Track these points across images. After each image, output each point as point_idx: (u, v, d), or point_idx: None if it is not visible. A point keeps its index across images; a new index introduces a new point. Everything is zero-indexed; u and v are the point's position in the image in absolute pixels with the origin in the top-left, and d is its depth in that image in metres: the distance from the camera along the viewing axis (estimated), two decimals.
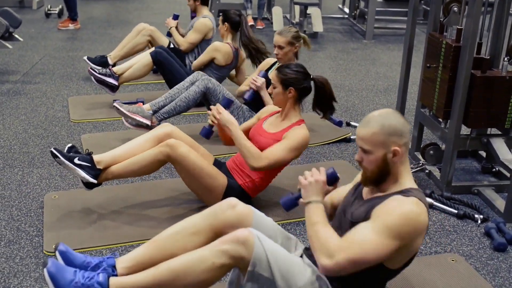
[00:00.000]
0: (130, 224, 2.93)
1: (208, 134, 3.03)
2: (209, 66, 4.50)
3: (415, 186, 2.01)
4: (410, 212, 1.86)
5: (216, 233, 2.14)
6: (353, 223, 1.96)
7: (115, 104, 3.71)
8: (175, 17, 5.10)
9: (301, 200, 2.06)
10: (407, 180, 2.01)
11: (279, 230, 2.22)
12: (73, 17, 7.41)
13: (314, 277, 2.01)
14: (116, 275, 2.07)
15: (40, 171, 3.50)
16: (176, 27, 5.08)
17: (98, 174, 2.88)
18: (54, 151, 2.83)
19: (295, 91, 2.98)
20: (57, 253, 2.12)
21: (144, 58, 4.58)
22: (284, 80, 2.97)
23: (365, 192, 2.09)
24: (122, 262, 2.12)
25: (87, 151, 2.97)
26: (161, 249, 2.12)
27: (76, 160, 2.85)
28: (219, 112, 2.86)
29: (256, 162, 2.84)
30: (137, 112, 3.72)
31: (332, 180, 2.07)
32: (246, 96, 3.68)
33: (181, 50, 4.92)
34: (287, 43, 3.77)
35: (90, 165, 2.87)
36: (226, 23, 4.41)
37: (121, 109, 3.69)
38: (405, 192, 1.95)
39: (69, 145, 2.99)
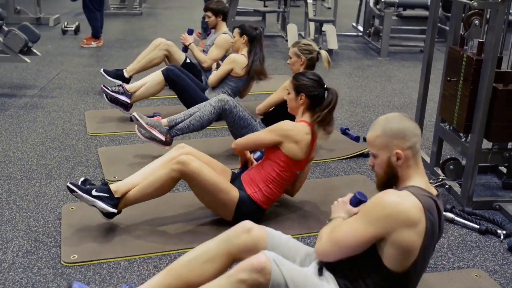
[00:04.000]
0: (147, 236, 2.91)
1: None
2: (225, 79, 4.50)
3: (423, 186, 1.99)
4: (388, 200, 1.91)
5: (232, 259, 2.13)
6: None
7: (134, 114, 3.70)
8: (190, 32, 5.09)
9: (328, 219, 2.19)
10: (415, 181, 2.01)
11: (295, 247, 2.20)
12: (96, 35, 7.45)
13: None
14: None
15: (57, 183, 3.49)
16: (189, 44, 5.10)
17: (117, 203, 2.86)
18: (71, 186, 2.80)
19: (306, 98, 2.99)
20: None
21: (156, 77, 4.56)
22: (297, 86, 3.01)
23: None
24: None
25: (102, 180, 2.94)
26: (178, 277, 2.11)
27: (94, 192, 2.82)
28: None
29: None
30: (154, 126, 3.71)
31: (356, 202, 2.13)
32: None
33: (201, 66, 4.93)
34: (294, 54, 3.82)
35: (108, 195, 2.84)
36: (244, 36, 4.42)
37: (141, 120, 3.68)
38: (402, 188, 1.98)
39: (82, 179, 2.94)
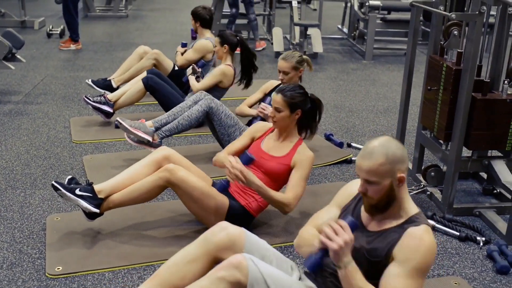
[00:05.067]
0: (133, 247, 2.93)
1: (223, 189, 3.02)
2: (212, 89, 4.52)
3: (416, 208, 2.05)
4: (430, 244, 1.92)
5: (212, 258, 2.17)
6: (371, 262, 1.99)
7: (117, 119, 3.74)
8: (184, 45, 5.17)
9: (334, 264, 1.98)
10: (410, 204, 2.05)
11: (272, 251, 2.24)
12: (74, 38, 7.47)
13: None
14: None
15: (42, 193, 3.50)
16: (183, 53, 5.12)
17: (100, 203, 2.89)
18: (56, 184, 2.84)
19: (302, 113, 3.02)
20: None
21: (136, 84, 4.62)
22: (292, 103, 2.98)
23: (367, 219, 2.09)
24: None
25: (87, 181, 2.97)
26: (162, 283, 2.16)
27: (77, 191, 2.86)
28: (242, 173, 2.75)
29: (289, 208, 2.94)
30: (139, 127, 3.73)
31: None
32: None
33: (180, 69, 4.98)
34: (292, 68, 3.77)
35: (91, 195, 2.88)
36: (226, 45, 4.44)
37: (124, 123, 3.70)
38: (414, 221, 1.99)
39: (69, 177, 2.99)
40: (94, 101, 4.55)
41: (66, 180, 2.97)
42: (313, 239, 2.11)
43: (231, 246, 2.14)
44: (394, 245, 1.95)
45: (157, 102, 5.27)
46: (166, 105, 4.47)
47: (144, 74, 4.73)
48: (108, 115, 4.62)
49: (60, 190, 2.84)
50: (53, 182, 2.85)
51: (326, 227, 1.93)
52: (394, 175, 1.96)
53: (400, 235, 1.96)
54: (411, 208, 2.04)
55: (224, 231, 2.18)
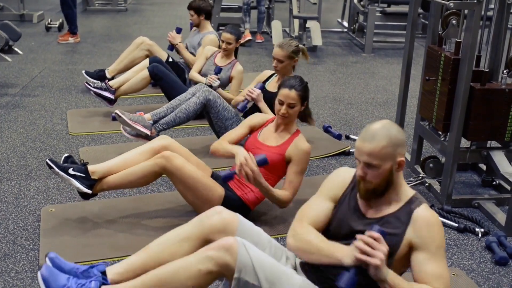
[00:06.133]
0: (128, 238, 2.91)
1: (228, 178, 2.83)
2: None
3: (412, 190, 2.07)
4: (437, 219, 1.98)
5: (204, 239, 2.15)
6: None
7: (117, 111, 3.70)
8: (179, 31, 5.03)
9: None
10: (406, 187, 2.05)
11: (266, 239, 2.21)
12: (72, 31, 7.43)
13: (305, 285, 2.01)
14: (109, 283, 2.08)
15: (38, 184, 3.48)
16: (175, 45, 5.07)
17: (93, 184, 2.89)
18: (49, 162, 2.85)
19: (307, 104, 3.10)
20: (47, 260, 2.16)
21: (141, 72, 4.58)
22: (304, 97, 3.01)
23: (364, 206, 2.05)
24: (114, 268, 2.15)
25: (82, 161, 2.96)
26: (152, 256, 2.15)
27: (70, 171, 2.86)
28: (254, 174, 2.72)
29: (286, 204, 2.96)
30: (138, 121, 3.70)
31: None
32: (239, 106, 3.74)
33: (187, 65, 4.92)
34: (287, 57, 3.71)
35: (84, 175, 2.87)
36: (239, 40, 4.45)
37: (123, 116, 3.67)
38: (414, 202, 2.01)
39: (66, 154, 3.00)
40: (95, 87, 4.51)
41: (63, 157, 2.97)
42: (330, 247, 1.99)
43: (224, 229, 2.12)
44: (405, 231, 1.96)
45: (155, 94, 5.27)
46: (170, 94, 4.45)
47: (146, 63, 4.69)
48: (110, 101, 4.58)
49: (54, 168, 2.85)
50: (47, 160, 2.86)
51: (359, 242, 1.84)
52: (395, 159, 1.94)
53: (406, 220, 1.96)
54: (408, 191, 2.04)
55: (218, 214, 2.17)
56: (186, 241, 2.14)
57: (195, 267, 1.95)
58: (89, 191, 2.88)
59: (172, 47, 5.04)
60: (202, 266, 1.94)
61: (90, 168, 2.90)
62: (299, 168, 2.97)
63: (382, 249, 1.82)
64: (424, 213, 1.96)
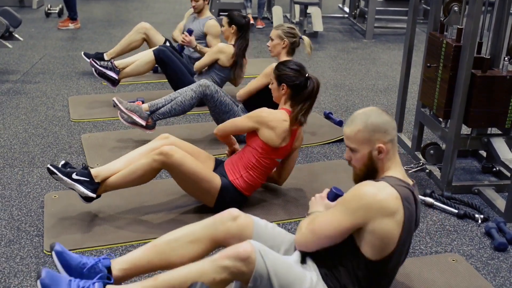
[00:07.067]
0: (130, 224, 2.93)
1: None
2: (212, 67, 4.49)
3: (400, 176, 2.04)
4: (366, 190, 1.96)
5: (216, 244, 2.16)
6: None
7: (114, 98, 3.73)
8: (190, 32, 4.78)
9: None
10: (392, 172, 2.06)
11: (281, 236, 2.22)
12: (73, 17, 7.41)
13: (314, 285, 2.03)
14: (112, 283, 2.06)
15: (41, 171, 3.50)
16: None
17: (97, 188, 2.87)
18: (51, 168, 2.79)
19: (287, 88, 3.02)
20: (53, 254, 2.12)
21: (146, 56, 4.60)
22: (279, 76, 3.04)
23: None
24: (119, 263, 2.13)
25: (83, 165, 2.95)
26: (159, 254, 2.13)
27: (74, 176, 2.82)
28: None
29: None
30: (134, 111, 3.72)
31: (333, 196, 2.19)
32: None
33: (182, 50, 4.90)
34: (276, 36, 3.85)
35: (88, 179, 2.84)
36: (233, 26, 4.40)
37: (120, 105, 3.69)
38: (379, 179, 2.03)
39: (63, 162, 2.93)
40: (100, 65, 4.51)
41: (60, 165, 2.91)
42: None
43: (240, 235, 2.13)
44: None
45: (156, 81, 5.28)
46: (174, 81, 4.46)
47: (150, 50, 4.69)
48: (114, 82, 4.58)
49: (56, 174, 2.79)
50: (49, 166, 2.80)
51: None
52: (373, 144, 2.01)
53: None
54: (391, 174, 2.05)
55: (234, 220, 2.16)
56: (196, 242, 2.13)
57: (210, 276, 1.92)
58: (94, 195, 2.85)
59: (182, 48, 4.89)
60: (218, 275, 1.92)
61: (93, 171, 2.87)
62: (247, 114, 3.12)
63: (319, 195, 2.25)
64: (366, 182, 2.02)
